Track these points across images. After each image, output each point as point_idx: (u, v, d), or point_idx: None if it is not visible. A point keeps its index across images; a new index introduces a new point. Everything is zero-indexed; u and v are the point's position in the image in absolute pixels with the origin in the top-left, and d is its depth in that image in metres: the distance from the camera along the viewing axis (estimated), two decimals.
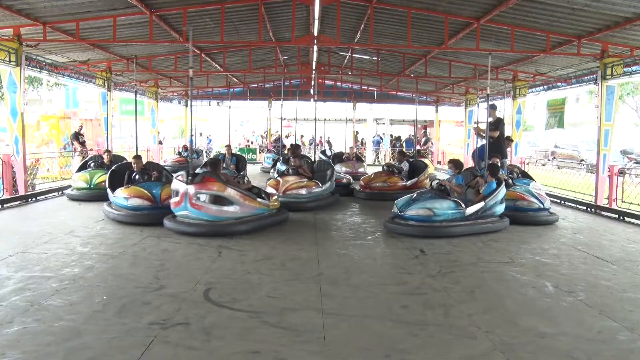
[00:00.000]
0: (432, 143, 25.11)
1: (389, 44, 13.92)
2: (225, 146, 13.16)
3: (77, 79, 13.83)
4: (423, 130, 29.07)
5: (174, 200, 7.20)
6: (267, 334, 3.60)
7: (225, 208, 7.03)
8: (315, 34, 13.00)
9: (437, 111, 24.40)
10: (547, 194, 9.50)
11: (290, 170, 10.42)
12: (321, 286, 4.74)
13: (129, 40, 11.89)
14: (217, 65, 16.79)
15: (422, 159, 14.95)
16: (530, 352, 3.36)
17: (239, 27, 12.73)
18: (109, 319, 3.79)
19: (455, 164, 8.33)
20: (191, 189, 6.91)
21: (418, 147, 22.08)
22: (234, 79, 21.06)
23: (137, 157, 9.19)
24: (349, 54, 17.07)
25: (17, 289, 4.42)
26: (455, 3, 9.65)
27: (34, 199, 10.19)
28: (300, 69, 20.18)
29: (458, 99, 21.90)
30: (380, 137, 28.42)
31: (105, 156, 11.45)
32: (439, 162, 23.69)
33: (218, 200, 6.95)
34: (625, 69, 10.41)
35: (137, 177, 8.85)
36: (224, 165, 10.94)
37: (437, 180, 8.10)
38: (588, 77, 12.17)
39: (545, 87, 14.59)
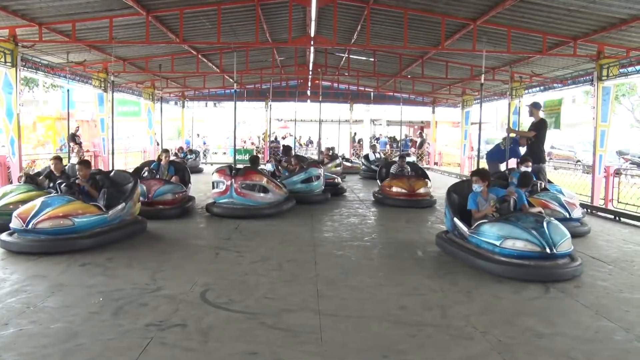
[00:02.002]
0: (428, 144, 25.17)
1: (385, 44, 13.94)
2: (163, 151, 10.63)
3: (74, 80, 13.80)
4: (419, 132, 29.14)
5: (218, 190, 8.80)
6: (264, 335, 3.59)
7: (264, 195, 8.76)
8: (312, 35, 13.01)
9: (433, 112, 24.45)
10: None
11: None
12: (318, 287, 4.74)
13: (125, 42, 11.87)
14: (213, 66, 16.77)
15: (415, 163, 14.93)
16: (527, 353, 3.37)
17: (236, 28, 12.72)
18: (105, 321, 3.78)
19: (482, 175, 6.24)
20: (236, 180, 8.55)
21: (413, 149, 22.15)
22: (231, 80, 21.03)
23: (56, 158, 7.89)
24: (346, 55, 17.09)
25: (13, 291, 4.40)
26: (451, 4, 9.67)
27: None
28: (297, 70, 20.17)
29: (455, 100, 21.94)
30: (387, 138, 28.28)
31: (52, 164, 8.10)
32: (435, 163, 23.74)
33: (261, 188, 8.74)
34: (620, 70, 10.45)
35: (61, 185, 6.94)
36: (158, 176, 9.51)
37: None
38: (584, 78, 12.23)
39: (542, 88, 14.64)
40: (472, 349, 3.43)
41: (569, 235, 5.25)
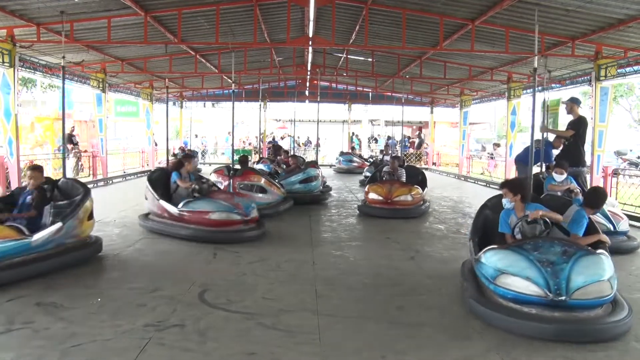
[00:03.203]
0: (427, 144, 25.18)
1: (384, 45, 13.95)
2: (185, 156, 8.15)
3: (72, 80, 13.80)
4: (418, 132, 29.15)
5: None
6: (262, 336, 3.59)
7: (262, 195, 8.81)
8: (310, 35, 13.02)
9: (432, 112, 24.47)
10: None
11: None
12: (316, 287, 4.74)
13: (123, 42, 11.86)
14: (211, 67, 16.76)
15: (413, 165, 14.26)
16: (525, 353, 3.37)
17: (234, 28, 12.71)
18: (103, 321, 3.77)
19: (513, 186, 4.90)
20: (234, 181, 8.63)
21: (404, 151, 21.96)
22: (229, 80, 21.03)
23: (34, 169, 5.80)
24: (344, 55, 17.09)
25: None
26: (449, 4, 9.68)
27: None
28: (296, 70, 20.17)
29: (453, 100, 21.95)
30: (407, 138, 28.12)
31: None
32: (434, 164, 23.75)
33: (258, 189, 8.82)
34: (618, 70, 10.48)
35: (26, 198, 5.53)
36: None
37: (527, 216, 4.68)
38: (582, 78, 12.25)
39: (540, 88, 14.59)
40: (471, 349, 3.43)
41: (605, 276, 3.77)
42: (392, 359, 3.27)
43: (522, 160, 9.05)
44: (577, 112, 8.19)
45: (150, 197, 7.41)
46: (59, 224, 5.23)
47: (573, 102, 8.25)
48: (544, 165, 8.12)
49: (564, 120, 13.81)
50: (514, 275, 3.83)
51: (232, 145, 10.31)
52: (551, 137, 8.48)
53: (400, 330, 3.73)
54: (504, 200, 4.90)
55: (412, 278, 5.19)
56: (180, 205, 6.90)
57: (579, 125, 8.05)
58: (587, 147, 9.43)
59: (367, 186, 9.66)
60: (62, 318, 3.80)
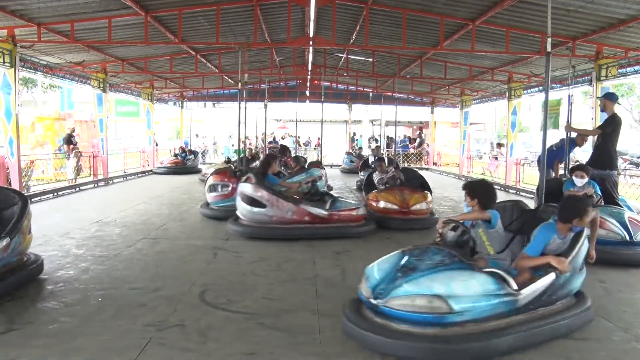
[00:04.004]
0: (427, 144, 25.17)
1: (384, 45, 13.94)
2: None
3: (72, 80, 13.80)
4: (418, 132, 29.15)
5: (220, 193, 8.48)
6: (262, 336, 3.59)
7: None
8: (311, 35, 13.01)
9: (432, 112, 24.46)
10: None
11: None
12: (317, 287, 4.74)
13: (124, 42, 11.86)
14: (212, 67, 16.77)
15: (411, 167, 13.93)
16: (525, 353, 3.37)
17: (234, 28, 12.71)
18: (104, 321, 3.78)
19: (471, 189, 4.27)
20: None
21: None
22: (230, 80, 21.04)
23: None
24: (345, 55, 17.09)
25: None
26: (450, 4, 9.68)
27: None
28: (296, 70, 20.18)
29: (453, 100, 21.95)
30: (407, 138, 28.04)
31: None
32: (434, 164, 23.74)
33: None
34: (619, 70, 10.46)
35: None
36: None
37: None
38: (583, 78, 12.24)
39: (541, 88, 14.64)
40: None
41: (435, 291, 3.32)
42: (392, 359, 3.27)
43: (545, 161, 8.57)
44: (612, 109, 7.24)
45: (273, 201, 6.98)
46: (5, 240, 4.46)
47: (607, 99, 7.29)
48: (554, 166, 7.87)
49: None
50: (364, 277, 3.75)
51: (239, 145, 10.09)
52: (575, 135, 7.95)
53: None
54: (464, 204, 4.54)
55: None
56: (327, 207, 7.15)
57: (609, 124, 7.17)
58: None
59: (373, 193, 8.60)
60: (62, 318, 3.81)
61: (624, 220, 5.88)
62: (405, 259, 3.72)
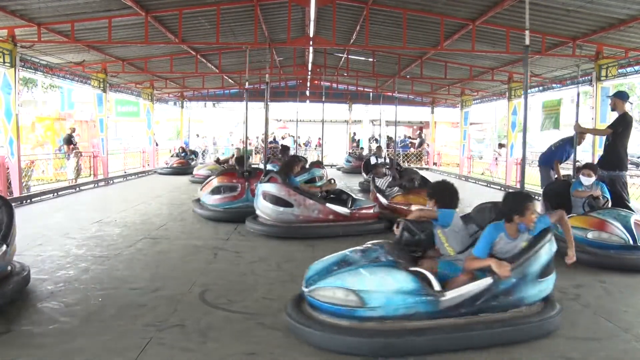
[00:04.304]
0: (427, 144, 25.17)
1: (384, 45, 13.94)
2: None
3: (72, 80, 13.81)
4: (418, 132, 29.14)
5: (228, 195, 8.35)
6: (263, 336, 3.59)
7: None
8: (311, 35, 13.01)
9: (432, 112, 24.47)
10: None
11: None
12: None
13: (124, 42, 11.87)
14: (212, 67, 16.77)
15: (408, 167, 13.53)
16: (525, 353, 3.37)
17: (235, 28, 12.72)
18: (104, 321, 3.78)
19: (431, 191, 4.39)
20: (252, 183, 8.20)
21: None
22: (230, 80, 21.05)
23: None
24: (345, 55, 17.09)
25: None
26: (450, 4, 9.68)
27: (28, 200, 10.15)
28: (296, 70, 20.17)
29: (454, 100, 21.95)
30: (408, 138, 28.02)
31: None
32: (434, 164, 23.74)
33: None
34: (619, 70, 10.46)
35: None
36: None
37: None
38: (583, 78, 12.23)
39: (541, 88, 14.64)
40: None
41: (347, 285, 3.47)
42: (392, 359, 3.27)
43: (543, 162, 8.36)
44: (623, 108, 6.97)
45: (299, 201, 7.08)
46: (3, 246, 4.21)
47: (617, 97, 7.02)
48: (554, 166, 7.81)
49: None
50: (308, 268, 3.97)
51: (246, 145, 9.99)
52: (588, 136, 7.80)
53: None
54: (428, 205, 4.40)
55: None
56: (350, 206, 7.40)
57: (618, 124, 6.89)
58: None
59: (399, 196, 8.23)
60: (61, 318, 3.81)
61: (630, 224, 5.62)
62: (348, 254, 3.86)
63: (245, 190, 8.43)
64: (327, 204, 7.20)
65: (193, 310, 4.07)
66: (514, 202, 3.76)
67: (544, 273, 3.64)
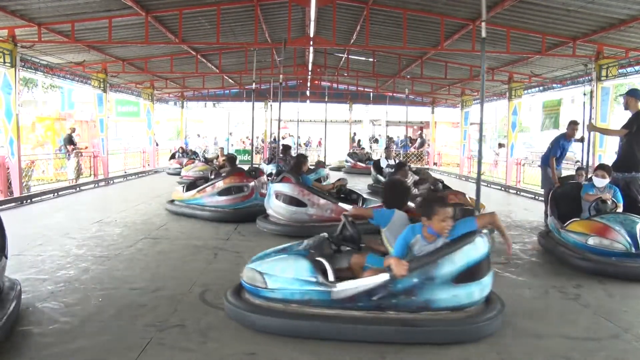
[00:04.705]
0: (428, 144, 25.17)
1: (384, 45, 13.95)
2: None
3: (73, 80, 13.81)
4: (419, 132, 29.15)
5: (239, 195, 8.28)
6: (262, 336, 3.58)
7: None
8: (311, 35, 13.01)
9: (433, 112, 24.47)
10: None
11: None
12: None
13: (124, 42, 11.87)
14: (212, 67, 16.78)
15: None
16: (526, 353, 3.37)
17: (235, 28, 12.72)
18: (104, 321, 3.78)
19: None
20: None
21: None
22: (230, 80, 21.07)
23: None
24: (345, 55, 17.10)
25: None
26: (450, 4, 9.68)
27: (29, 200, 10.15)
28: (296, 70, 20.17)
29: (454, 100, 21.95)
30: (408, 138, 28.01)
31: None
32: (435, 164, 23.73)
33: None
34: (619, 70, 10.46)
35: None
36: None
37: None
38: (583, 78, 12.23)
39: (541, 88, 14.65)
40: (470, 349, 3.43)
41: (257, 268, 3.85)
42: (392, 359, 3.27)
43: (543, 162, 8.14)
44: (637, 106, 6.63)
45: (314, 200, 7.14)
46: (3, 259, 3.84)
47: (630, 96, 6.73)
48: (550, 162, 7.66)
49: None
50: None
51: (252, 145, 9.88)
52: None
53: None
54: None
55: None
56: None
57: (632, 123, 6.55)
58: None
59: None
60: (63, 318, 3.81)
61: (635, 230, 5.24)
62: (289, 245, 4.17)
63: (254, 191, 8.45)
64: (340, 203, 7.21)
65: (193, 310, 4.07)
66: (424, 206, 3.70)
67: (461, 278, 3.51)
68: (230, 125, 31.38)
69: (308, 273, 3.63)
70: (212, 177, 9.11)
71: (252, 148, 9.92)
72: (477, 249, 3.55)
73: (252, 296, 3.82)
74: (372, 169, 13.81)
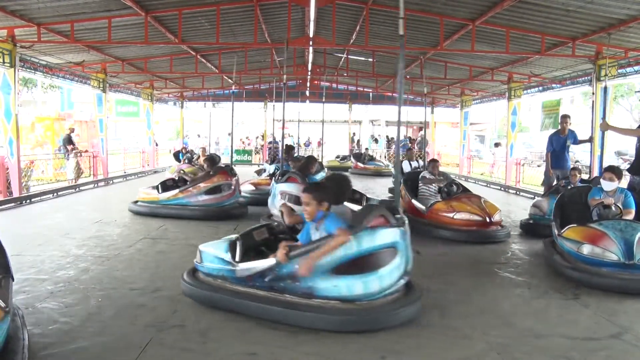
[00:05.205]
0: (428, 145, 25.20)
1: (384, 45, 13.94)
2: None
3: (72, 80, 13.80)
4: (421, 133, 29.16)
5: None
6: (263, 336, 3.59)
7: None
8: (311, 35, 13.01)
9: (432, 112, 24.47)
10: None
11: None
12: None
13: (124, 42, 11.86)
14: (212, 67, 16.78)
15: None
16: (525, 353, 3.37)
17: (235, 29, 12.72)
18: (104, 322, 3.77)
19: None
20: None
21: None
22: (229, 81, 21.06)
23: None
24: (345, 56, 17.09)
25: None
26: (450, 4, 9.67)
27: (28, 201, 10.15)
28: (296, 70, 20.17)
29: (453, 100, 21.96)
30: (408, 138, 28.07)
31: None
32: None
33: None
34: (619, 70, 10.46)
35: None
36: None
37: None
38: (583, 78, 12.24)
39: (540, 88, 14.65)
40: (471, 349, 3.43)
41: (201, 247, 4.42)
42: (392, 359, 3.27)
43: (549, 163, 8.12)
44: None
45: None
46: (10, 282, 3.39)
47: None
48: (546, 157, 7.68)
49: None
50: None
51: (260, 145, 10.07)
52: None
53: (400, 330, 3.73)
54: None
55: (412, 278, 5.18)
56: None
57: None
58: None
59: (440, 203, 7.44)
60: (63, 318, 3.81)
61: (633, 239, 4.76)
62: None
63: (236, 188, 8.82)
64: (346, 203, 7.15)
65: (193, 310, 4.06)
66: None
67: (340, 270, 3.64)
68: (230, 125, 31.29)
69: (222, 252, 4.12)
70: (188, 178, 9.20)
71: (231, 148, 10.17)
72: (361, 243, 3.64)
73: (196, 272, 4.37)
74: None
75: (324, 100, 15.37)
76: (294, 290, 3.76)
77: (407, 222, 3.99)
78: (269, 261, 3.83)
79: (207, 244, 4.37)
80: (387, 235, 3.74)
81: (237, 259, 4.03)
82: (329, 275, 3.65)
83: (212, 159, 9.72)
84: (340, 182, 4.40)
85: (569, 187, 7.27)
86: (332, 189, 4.09)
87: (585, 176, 8.46)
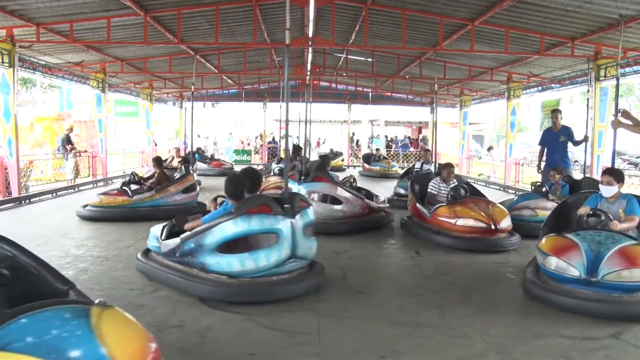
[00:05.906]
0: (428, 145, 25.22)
1: (383, 45, 13.94)
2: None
3: (71, 80, 13.79)
4: (421, 135, 29.21)
5: None
6: (262, 336, 3.59)
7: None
8: (310, 35, 13.00)
9: (432, 112, 24.46)
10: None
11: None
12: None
13: (123, 42, 11.85)
14: (211, 67, 16.77)
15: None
16: (525, 353, 3.37)
17: (234, 29, 12.71)
18: None
19: None
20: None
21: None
22: (229, 81, 21.05)
23: None
24: (344, 56, 17.09)
25: None
26: (449, 5, 9.67)
27: (27, 201, 10.14)
28: (295, 70, 20.16)
29: (453, 101, 21.96)
30: (408, 138, 28.16)
31: None
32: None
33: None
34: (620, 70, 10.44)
35: None
36: None
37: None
38: (582, 78, 12.24)
39: (540, 88, 14.66)
40: (470, 349, 3.43)
41: None
42: (392, 359, 3.27)
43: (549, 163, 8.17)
44: None
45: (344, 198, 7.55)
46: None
47: None
48: (539, 154, 7.61)
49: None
50: None
51: (259, 145, 10.11)
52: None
53: (399, 330, 3.73)
54: None
55: (412, 278, 5.18)
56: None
57: None
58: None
59: (443, 208, 6.87)
60: None
61: (603, 253, 4.09)
62: None
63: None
64: (365, 199, 7.64)
65: (192, 310, 4.06)
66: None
67: (223, 249, 4.25)
68: (230, 125, 31.35)
69: (158, 232, 4.92)
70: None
71: (284, 150, 10.16)
72: (237, 226, 4.18)
73: (149, 252, 5.07)
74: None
75: (311, 100, 15.25)
76: (193, 264, 4.42)
77: (301, 213, 4.47)
78: (177, 240, 4.55)
79: (155, 226, 5.05)
80: (267, 222, 4.23)
81: (162, 237, 4.80)
82: (214, 253, 4.26)
83: (187, 160, 9.94)
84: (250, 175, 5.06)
85: (550, 189, 7.39)
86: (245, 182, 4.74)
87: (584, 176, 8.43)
